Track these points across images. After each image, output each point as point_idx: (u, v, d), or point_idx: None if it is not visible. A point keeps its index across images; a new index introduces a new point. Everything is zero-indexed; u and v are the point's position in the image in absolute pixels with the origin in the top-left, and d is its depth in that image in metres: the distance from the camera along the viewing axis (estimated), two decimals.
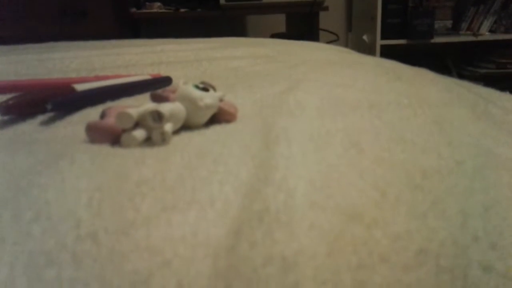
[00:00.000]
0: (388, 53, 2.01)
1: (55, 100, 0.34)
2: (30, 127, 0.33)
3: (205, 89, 0.32)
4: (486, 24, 2.35)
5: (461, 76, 2.36)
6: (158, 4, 1.90)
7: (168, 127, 0.28)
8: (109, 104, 0.39)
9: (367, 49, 2.25)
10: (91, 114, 0.36)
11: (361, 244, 0.19)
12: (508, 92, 0.50)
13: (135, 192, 0.21)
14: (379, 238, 0.20)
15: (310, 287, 0.18)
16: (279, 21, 2.27)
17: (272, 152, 0.26)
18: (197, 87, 0.32)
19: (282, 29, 2.28)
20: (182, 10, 1.85)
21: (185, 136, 0.30)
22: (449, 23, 2.43)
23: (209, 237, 0.19)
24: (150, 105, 0.29)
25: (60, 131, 0.32)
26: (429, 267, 0.19)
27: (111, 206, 0.20)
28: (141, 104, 0.29)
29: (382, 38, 2.18)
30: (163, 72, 0.60)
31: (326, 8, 1.88)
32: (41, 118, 0.35)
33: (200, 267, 0.18)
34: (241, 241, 0.18)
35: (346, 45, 2.50)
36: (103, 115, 0.30)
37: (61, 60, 0.65)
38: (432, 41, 2.22)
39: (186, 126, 0.31)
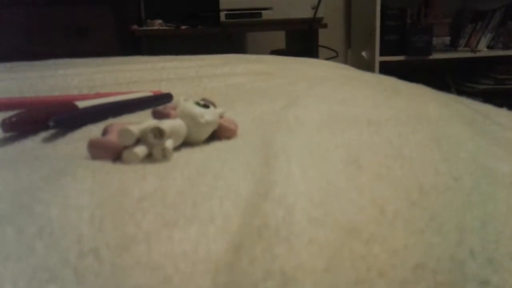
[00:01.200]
0: (387, 69, 2.02)
1: (57, 117, 0.35)
2: (32, 144, 0.34)
3: (206, 106, 0.33)
4: (484, 41, 2.37)
5: (460, 92, 2.37)
6: (159, 21, 1.92)
7: (169, 143, 0.29)
8: (111, 121, 0.39)
9: (366, 66, 2.26)
10: (93, 131, 0.36)
11: (359, 260, 0.20)
12: (505, 108, 0.50)
13: (136, 208, 0.21)
14: (377, 253, 0.20)
15: None
16: (279, 37, 2.29)
17: (271, 168, 0.26)
18: (197, 104, 0.33)
19: (282, 45, 2.30)
20: (183, 27, 1.87)
21: (185, 152, 0.30)
22: (447, 40, 2.45)
23: (209, 253, 0.19)
24: (151, 122, 0.29)
25: (62, 147, 0.32)
26: (426, 282, 0.19)
27: (113, 222, 0.20)
28: (142, 121, 0.29)
29: (381, 54, 2.20)
30: (164, 89, 0.61)
31: (325, 25, 1.90)
32: (43, 135, 0.36)
33: (200, 283, 0.18)
34: (241, 256, 0.19)
35: (345, 61, 2.51)
36: (105, 132, 0.31)
37: (63, 77, 0.66)
38: (431, 57, 2.23)
39: (187, 143, 0.32)
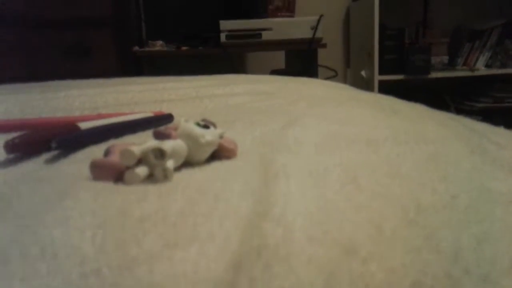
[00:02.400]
0: (386, 88, 2.03)
1: (59, 138, 0.35)
2: (35, 166, 0.34)
3: (206, 127, 0.33)
4: (482, 59, 2.39)
5: (459, 110, 2.38)
6: (160, 42, 1.94)
7: (170, 164, 0.29)
8: (112, 142, 0.40)
9: (365, 85, 2.28)
10: (95, 151, 0.37)
11: (357, 278, 0.20)
12: (502, 127, 0.51)
13: (138, 228, 0.22)
14: (375, 271, 0.20)
15: None
16: (279, 57, 2.31)
17: (271, 188, 0.27)
18: (198, 124, 0.33)
19: (282, 65, 2.32)
20: (183, 48, 1.89)
21: (186, 172, 0.31)
22: (445, 59, 2.47)
23: (209, 273, 0.19)
24: (152, 143, 0.30)
25: (64, 168, 0.33)
26: None
27: (114, 242, 0.21)
28: (143, 142, 0.30)
29: (380, 73, 2.21)
30: (165, 109, 0.61)
31: (324, 45, 1.92)
32: (46, 156, 0.36)
33: None
34: (241, 276, 0.19)
35: (344, 81, 2.53)
36: (107, 153, 0.31)
37: (65, 98, 0.66)
38: (429, 76, 2.25)
39: (187, 163, 0.32)
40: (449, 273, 0.20)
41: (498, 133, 0.49)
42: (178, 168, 0.31)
